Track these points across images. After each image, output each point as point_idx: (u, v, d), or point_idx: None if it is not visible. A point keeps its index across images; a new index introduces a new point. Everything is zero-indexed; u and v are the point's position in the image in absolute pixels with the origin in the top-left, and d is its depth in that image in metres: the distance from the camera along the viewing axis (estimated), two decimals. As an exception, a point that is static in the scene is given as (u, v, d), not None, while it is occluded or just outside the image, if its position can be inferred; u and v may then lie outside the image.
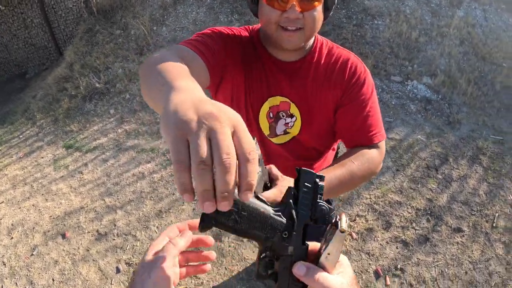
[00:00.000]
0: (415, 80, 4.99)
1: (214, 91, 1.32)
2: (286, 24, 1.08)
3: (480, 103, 4.89)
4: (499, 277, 3.19)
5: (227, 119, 0.46)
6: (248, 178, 0.45)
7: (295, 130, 1.34)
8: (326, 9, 1.17)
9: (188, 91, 0.58)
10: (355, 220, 3.44)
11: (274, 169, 0.90)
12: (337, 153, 1.74)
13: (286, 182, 0.85)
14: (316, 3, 1.08)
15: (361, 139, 1.26)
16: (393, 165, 3.89)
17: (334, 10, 1.29)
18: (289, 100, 1.29)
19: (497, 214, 3.58)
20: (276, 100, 1.30)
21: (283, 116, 1.31)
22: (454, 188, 3.73)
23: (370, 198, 3.62)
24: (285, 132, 1.35)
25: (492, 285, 3.13)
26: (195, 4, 6.34)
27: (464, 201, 3.64)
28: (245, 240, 3.24)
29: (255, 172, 0.45)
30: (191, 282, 3.02)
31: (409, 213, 3.51)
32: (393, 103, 4.66)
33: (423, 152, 4.06)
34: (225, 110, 0.48)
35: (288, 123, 1.33)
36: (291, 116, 1.31)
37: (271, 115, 1.32)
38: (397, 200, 3.60)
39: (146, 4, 6.67)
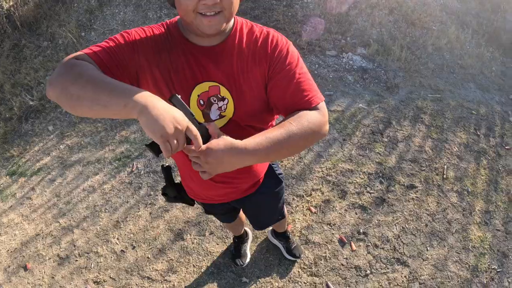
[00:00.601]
0: (350, 52, 5.00)
1: None
2: (204, 10, 1.06)
3: (414, 66, 4.98)
4: (458, 223, 3.25)
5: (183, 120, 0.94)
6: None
7: (229, 112, 1.32)
8: None
9: (157, 103, 0.91)
10: (311, 194, 3.37)
11: (211, 128, 1.10)
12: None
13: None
14: None
15: (298, 105, 1.22)
16: (339, 135, 3.85)
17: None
18: (217, 84, 1.27)
19: (445, 166, 3.63)
20: (204, 86, 1.27)
21: (215, 100, 1.29)
22: (401, 149, 3.74)
23: (322, 171, 3.55)
24: (221, 116, 1.33)
25: (453, 232, 3.18)
26: (122, 4, 6.05)
27: (413, 159, 3.66)
28: (207, 233, 3.15)
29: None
30: (162, 287, 2.82)
31: (362, 178, 3.47)
32: (331, 76, 4.64)
33: (366, 119, 4.05)
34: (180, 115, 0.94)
35: (221, 106, 1.30)
36: (223, 99, 1.29)
37: (202, 102, 1.29)
38: (348, 169, 3.55)
39: (71, 10, 6.28)
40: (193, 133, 0.95)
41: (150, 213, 3.35)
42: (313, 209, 3.26)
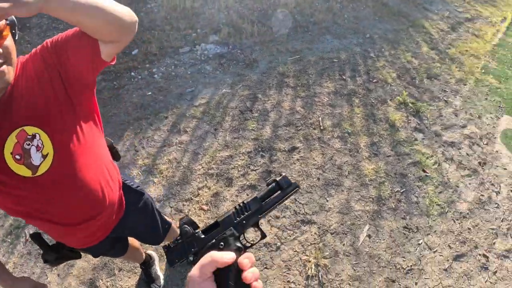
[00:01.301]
0: (203, 43, 4.82)
1: None
2: None
3: (269, 37, 4.95)
4: (349, 165, 3.23)
5: None
6: None
7: (48, 145, 1.22)
8: (13, 34, 1.12)
9: None
10: (198, 194, 3.11)
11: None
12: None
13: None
14: (5, 33, 1.04)
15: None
16: (210, 126, 3.62)
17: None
18: (20, 127, 1.17)
19: (320, 118, 3.56)
20: (11, 139, 1.17)
21: (29, 144, 1.18)
22: (273, 118, 3.62)
23: (203, 167, 3.30)
24: (44, 156, 1.22)
25: (347, 174, 3.15)
26: None
27: (287, 123, 3.54)
28: (116, 272, 2.87)
29: None
30: None
31: (243, 160, 3.28)
32: (189, 73, 4.41)
33: (232, 102, 3.88)
34: None
35: (38, 145, 1.20)
36: (34, 136, 1.19)
37: (18, 156, 1.18)
38: (227, 155, 3.33)
39: None
40: None
41: (58, 275, 2.94)
42: (205, 207, 3.02)
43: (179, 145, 3.46)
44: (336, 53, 4.58)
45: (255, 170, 3.19)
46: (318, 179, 3.09)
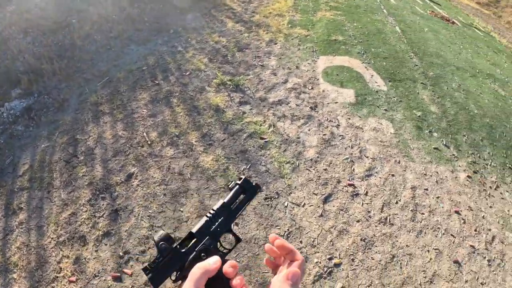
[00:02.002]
0: (6, 103, 4.32)
1: None
2: None
3: (71, 68, 4.63)
4: (187, 166, 3.18)
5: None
6: None
7: None
8: None
9: None
10: (61, 269, 2.82)
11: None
12: None
13: None
14: None
15: None
16: (43, 192, 3.21)
17: None
18: None
19: (145, 133, 3.46)
20: None
21: None
22: (99, 153, 3.38)
23: (52, 238, 2.95)
24: None
25: (189, 177, 3.09)
26: None
27: (114, 152, 3.34)
28: None
29: None
30: None
31: (86, 211, 3.01)
32: (1, 141, 3.91)
33: (54, 155, 3.49)
34: None
35: None
36: None
37: None
38: (69, 214, 3.03)
39: None
40: None
41: None
42: (73, 279, 2.73)
43: (20, 226, 3.08)
44: (143, 60, 4.48)
45: (102, 216, 2.98)
46: (165, 194, 2.98)
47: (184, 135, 3.46)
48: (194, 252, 0.71)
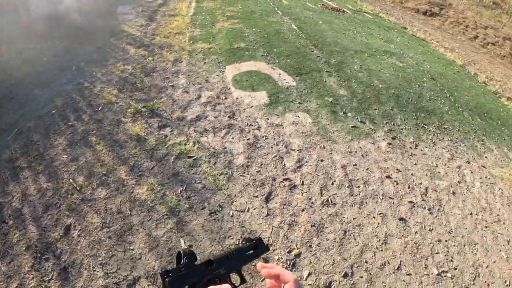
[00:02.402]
0: None
1: None
2: None
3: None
4: (124, 202, 3.14)
5: None
6: None
7: None
8: None
9: None
10: None
11: None
12: None
13: None
14: None
15: None
16: None
17: None
18: None
19: (71, 180, 3.39)
20: None
21: None
22: (29, 211, 3.17)
23: None
24: None
25: (129, 213, 3.04)
26: None
27: (44, 208, 3.17)
28: None
29: None
30: None
31: (32, 278, 2.78)
32: None
33: None
34: None
35: None
36: None
37: None
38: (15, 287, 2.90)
39: None
40: None
41: None
42: None
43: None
44: (51, 103, 4.32)
45: (52, 279, 2.82)
46: (109, 237, 2.92)
47: (112, 172, 3.43)
48: (210, 275, 0.84)
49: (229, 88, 4.98)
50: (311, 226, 3.23)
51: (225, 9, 8.62)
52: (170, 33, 6.58)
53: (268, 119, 4.45)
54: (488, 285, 3.20)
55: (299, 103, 4.92)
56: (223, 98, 4.74)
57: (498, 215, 3.99)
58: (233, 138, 4.04)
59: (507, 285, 3.26)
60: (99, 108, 4.23)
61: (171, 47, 6.02)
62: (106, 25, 6.67)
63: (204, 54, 5.88)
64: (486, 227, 3.77)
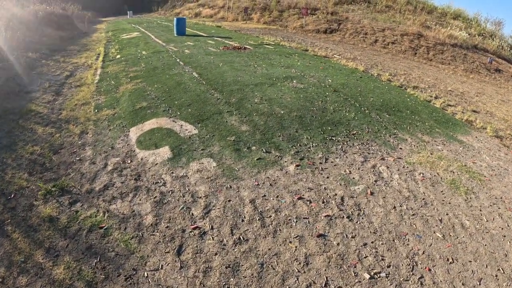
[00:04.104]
0: None
1: None
2: None
3: None
4: None
5: None
6: None
7: None
8: None
9: None
10: None
11: None
12: None
13: None
14: None
15: None
16: None
17: None
18: None
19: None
20: None
21: None
22: None
23: None
24: None
25: None
26: None
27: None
28: None
29: None
30: None
31: None
32: None
33: None
34: None
35: None
36: None
37: None
38: None
39: None
40: None
41: None
42: None
43: None
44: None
45: None
46: None
47: (30, 258, 3.62)
48: None
49: (134, 151, 5.26)
50: (226, 267, 3.29)
51: (129, 70, 8.86)
52: (76, 105, 6.76)
53: (172, 173, 4.70)
54: (430, 269, 3.25)
55: (202, 149, 5.18)
56: (129, 161, 5.01)
57: (423, 199, 4.23)
58: (140, 200, 4.24)
59: (450, 263, 3.38)
60: (12, 196, 4.42)
61: (76, 120, 6.22)
62: (14, 107, 6.78)
63: (109, 121, 6.14)
64: (413, 215, 3.93)
